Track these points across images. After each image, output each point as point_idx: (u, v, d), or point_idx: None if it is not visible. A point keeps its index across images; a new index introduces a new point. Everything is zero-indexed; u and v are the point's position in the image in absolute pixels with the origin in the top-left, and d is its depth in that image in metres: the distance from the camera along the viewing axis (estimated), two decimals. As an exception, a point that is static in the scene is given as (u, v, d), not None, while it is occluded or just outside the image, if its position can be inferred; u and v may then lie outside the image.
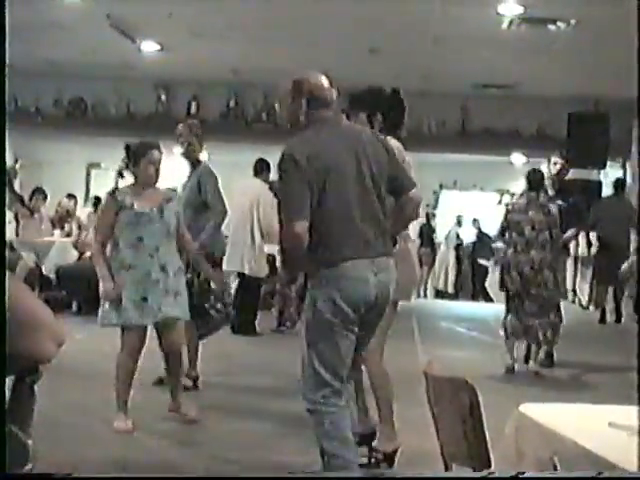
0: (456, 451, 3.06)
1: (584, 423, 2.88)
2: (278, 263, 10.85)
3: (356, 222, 4.12)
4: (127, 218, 5.87)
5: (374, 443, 5.25)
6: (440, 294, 18.90)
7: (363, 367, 5.25)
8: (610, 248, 12.66)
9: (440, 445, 3.20)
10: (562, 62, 12.26)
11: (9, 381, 2.19)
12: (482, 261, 18.36)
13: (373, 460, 5.21)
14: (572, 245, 11.51)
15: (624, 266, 10.76)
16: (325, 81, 4.32)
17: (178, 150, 7.35)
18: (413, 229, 15.67)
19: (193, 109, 15.61)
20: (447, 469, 3.17)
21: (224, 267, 7.99)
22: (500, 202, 19.51)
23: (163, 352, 6.12)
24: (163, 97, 15.75)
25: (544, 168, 9.63)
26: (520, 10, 10.19)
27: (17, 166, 15.59)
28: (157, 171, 5.99)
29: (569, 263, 11.49)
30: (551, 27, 10.72)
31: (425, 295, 18.52)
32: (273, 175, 10.19)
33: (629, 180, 15.03)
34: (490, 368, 8.54)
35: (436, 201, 19.59)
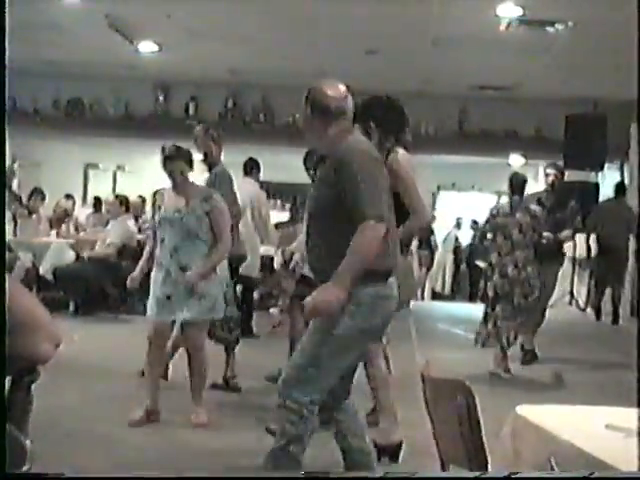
0: (453, 452, 3.06)
1: (581, 425, 2.89)
2: (276, 265, 10.83)
3: (392, 234, 4.14)
4: (157, 219, 6.27)
5: (373, 435, 5.26)
6: (437, 296, 18.88)
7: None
8: (609, 251, 12.71)
9: (437, 446, 3.20)
10: (560, 64, 12.27)
11: (6, 382, 2.19)
12: (480, 263, 18.34)
13: None
14: (570, 247, 11.49)
15: None
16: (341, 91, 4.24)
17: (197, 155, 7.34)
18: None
19: (191, 110, 15.62)
20: (444, 470, 3.17)
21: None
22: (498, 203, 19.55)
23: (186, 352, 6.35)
24: (161, 98, 15.74)
25: (541, 176, 9.71)
26: (518, 12, 10.19)
27: (15, 166, 15.60)
28: (171, 176, 6.20)
29: (566, 265, 11.48)
30: (549, 29, 10.73)
31: (422, 297, 18.51)
32: (263, 175, 10.20)
33: (627, 182, 15.05)
34: (487, 370, 8.56)
35: (434, 202, 19.58)
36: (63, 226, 13.08)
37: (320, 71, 13.61)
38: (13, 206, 12.35)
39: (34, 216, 12.75)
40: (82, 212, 14.95)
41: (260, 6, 10.41)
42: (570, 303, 13.88)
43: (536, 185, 15.29)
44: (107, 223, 12.22)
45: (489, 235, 8.80)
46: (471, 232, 18.91)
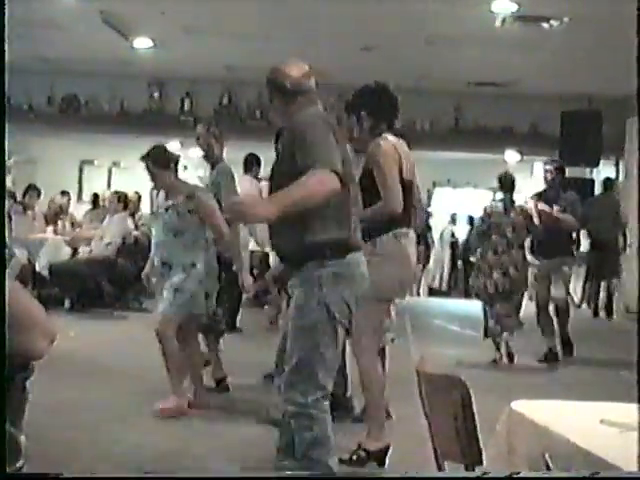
0: (448, 448, 3.06)
1: (576, 420, 2.89)
2: (271, 262, 10.81)
3: (352, 211, 4.04)
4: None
5: (361, 439, 5.23)
6: (433, 292, 18.89)
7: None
8: (602, 246, 12.78)
9: (432, 442, 3.20)
10: (556, 60, 12.27)
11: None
12: (473, 259, 18.33)
13: (355, 457, 5.13)
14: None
15: None
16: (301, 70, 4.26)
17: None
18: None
19: (186, 106, 15.59)
20: (439, 466, 3.17)
21: None
22: (494, 200, 19.55)
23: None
24: (156, 94, 15.72)
25: (536, 172, 9.78)
26: (513, 8, 10.19)
27: (10, 163, 15.56)
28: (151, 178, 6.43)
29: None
30: (544, 25, 10.73)
31: (418, 293, 18.52)
32: (263, 171, 10.19)
33: (622, 178, 15.07)
34: (482, 365, 8.58)
35: (430, 199, 19.59)
36: (59, 223, 13.07)
37: (316, 67, 13.62)
38: (8, 203, 12.32)
39: (29, 213, 12.74)
40: (77, 208, 14.94)
41: (255, 3, 10.40)
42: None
43: (531, 181, 15.32)
44: (104, 220, 12.21)
45: (481, 233, 8.94)
46: (466, 228, 18.92)
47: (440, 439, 3.14)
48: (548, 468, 2.66)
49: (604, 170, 15.21)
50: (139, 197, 14.15)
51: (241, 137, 14.66)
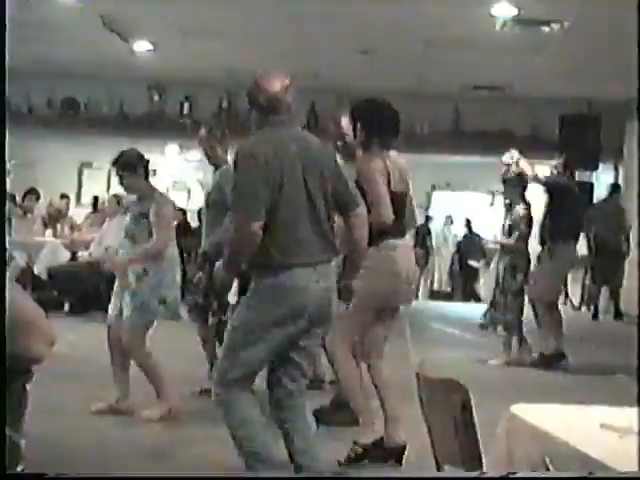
0: (448, 452, 3.06)
1: (576, 424, 2.89)
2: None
3: (303, 228, 4.13)
4: None
5: (355, 436, 5.30)
6: (436, 294, 18.82)
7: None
8: (606, 249, 12.80)
9: (432, 446, 3.20)
10: (555, 64, 12.28)
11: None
12: (472, 262, 18.35)
13: (352, 454, 5.22)
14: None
15: None
16: (278, 84, 4.27)
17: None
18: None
19: (186, 109, 15.60)
20: (439, 469, 3.17)
21: None
22: (492, 203, 19.55)
23: None
24: (156, 97, 15.73)
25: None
26: (513, 11, 10.19)
27: (9, 166, 15.55)
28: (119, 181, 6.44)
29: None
30: (544, 29, 10.74)
31: (417, 297, 18.48)
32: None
33: (621, 181, 15.08)
34: (481, 369, 8.56)
35: (429, 202, 19.58)
36: (58, 226, 13.06)
37: (314, 71, 13.65)
38: (7, 206, 12.31)
39: (29, 216, 12.74)
40: (77, 212, 14.93)
41: (254, 6, 10.40)
42: (565, 302, 13.93)
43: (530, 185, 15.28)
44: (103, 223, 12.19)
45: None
46: (463, 231, 18.90)
47: (440, 443, 3.14)
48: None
49: (603, 174, 15.23)
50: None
51: (241, 140, 14.65)
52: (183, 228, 12.37)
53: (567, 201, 9.08)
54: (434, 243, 19.03)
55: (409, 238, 5.55)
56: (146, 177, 6.42)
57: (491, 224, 19.25)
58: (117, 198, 12.13)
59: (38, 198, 13.02)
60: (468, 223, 18.77)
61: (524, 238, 8.84)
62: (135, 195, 6.42)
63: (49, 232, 12.78)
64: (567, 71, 12.64)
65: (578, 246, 11.98)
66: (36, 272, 11.60)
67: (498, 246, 9.28)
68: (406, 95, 13.71)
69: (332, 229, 4.25)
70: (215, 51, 12.72)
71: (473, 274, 18.36)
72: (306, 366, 4.31)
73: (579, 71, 12.53)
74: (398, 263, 5.31)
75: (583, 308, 14.42)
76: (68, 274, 11.36)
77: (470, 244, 18.43)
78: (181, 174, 17.23)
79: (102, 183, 17.70)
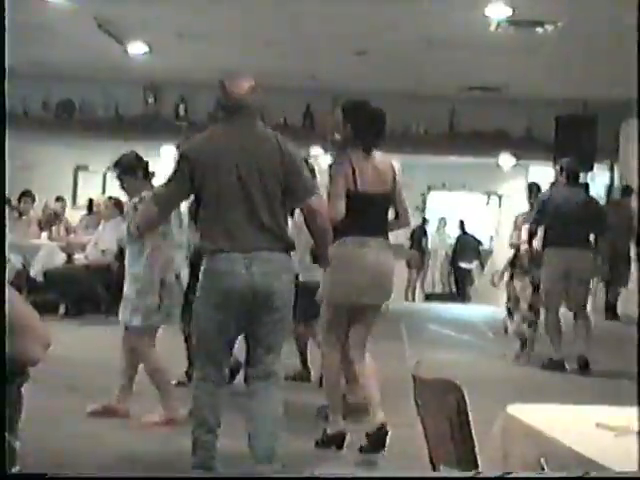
0: (443, 452, 3.06)
1: (571, 424, 2.89)
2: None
3: (235, 218, 4.35)
4: None
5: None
6: (431, 296, 18.79)
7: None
8: (613, 252, 12.80)
9: (428, 446, 3.20)
10: (550, 64, 12.29)
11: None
12: (463, 264, 18.35)
13: (320, 441, 5.54)
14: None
15: None
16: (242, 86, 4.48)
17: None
18: (404, 234, 15.67)
19: (181, 111, 15.60)
20: (435, 470, 3.17)
21: None
22: (488, 204, 19.58)
23: None
24: (151, 99, 15.72)
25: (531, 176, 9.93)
26: (508, 12, 10.19)
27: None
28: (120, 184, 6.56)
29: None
30: (539, 29, 10.74)
31: (413, 298, 18.49)
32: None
33: (616, 182, 15.10)
34: (478, 370, 8.57)
35: (424, 202, 19.60)
36: (53, 228, 13.04)
37: (311, 72, 13.66)
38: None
39: (24, 218, 12.72)
40: (72, 214, 14.91)
41: (250, 7, 10.40)
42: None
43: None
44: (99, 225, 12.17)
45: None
46: (456, 232, 18.90)
47: (435, 443, 3.14)
48: (543, 472, 2.67)
49: (598, 174, 15.24)
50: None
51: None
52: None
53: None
54: (430, 245, 19.03)
55: (391, 238, 5.62)
56: (146, 179, 6.41)
57: (486, 224, 19.38)
58: (113, 200, 12.11)
59: (33, 200, 13.00)
60: (462, 224, 18.77)
61: None
62: (136, 198, 6.34)
63: (44, 234, 12.76)
64: (562, 72, 12.65)
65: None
66: (32, 274, 11.58)
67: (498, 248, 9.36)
68: (402, 96, 13.74)
69: (282, 221, 4.47)
70: (210, 53, 12.71)
71: (468, 275, 18.37)
72: (261, 353, 4.47)
73: (574, 72, 12.54)
74: (366, 259, 5.37)
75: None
76: (64, 276, 11.34)
77: (464, 245, 18.45)
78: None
79: (97, 185, 17.70)
